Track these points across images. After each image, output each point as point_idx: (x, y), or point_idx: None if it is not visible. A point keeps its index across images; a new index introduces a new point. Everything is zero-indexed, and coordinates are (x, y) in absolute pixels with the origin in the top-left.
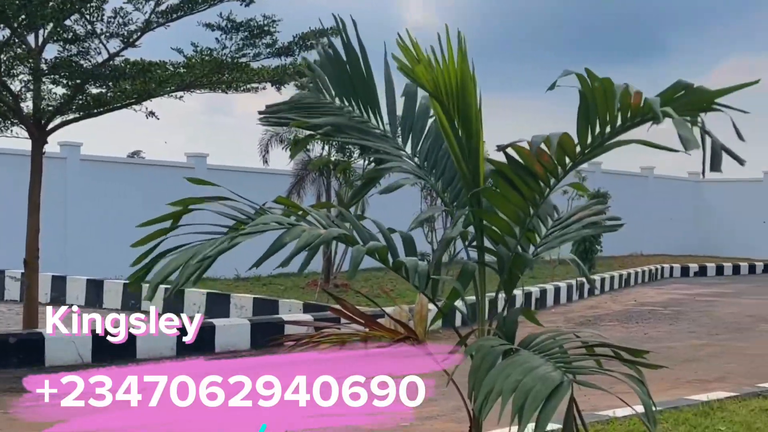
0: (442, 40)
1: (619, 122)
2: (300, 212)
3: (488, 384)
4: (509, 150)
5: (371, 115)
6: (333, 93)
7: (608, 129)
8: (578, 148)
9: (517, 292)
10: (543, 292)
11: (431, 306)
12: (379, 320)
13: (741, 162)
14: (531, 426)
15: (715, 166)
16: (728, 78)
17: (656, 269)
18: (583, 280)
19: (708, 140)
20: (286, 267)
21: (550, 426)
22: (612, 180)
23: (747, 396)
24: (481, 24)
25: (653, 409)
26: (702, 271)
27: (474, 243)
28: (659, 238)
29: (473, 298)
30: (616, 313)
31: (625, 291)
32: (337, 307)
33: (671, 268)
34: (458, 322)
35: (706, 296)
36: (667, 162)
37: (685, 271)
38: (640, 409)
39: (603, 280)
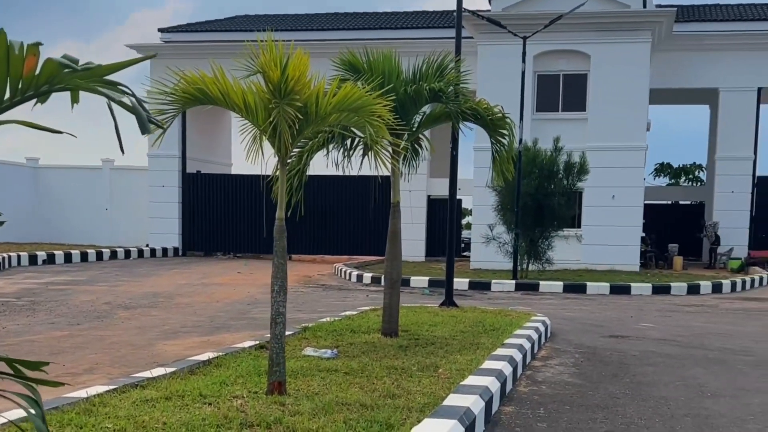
0: None
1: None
2: None
3: None
4: None
5: None
6: None
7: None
8: None
9: None
10: None
11: None
12: None
13: (159, 125)
14: None
15: (145, 130)
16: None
17: (2, 258)
18: None
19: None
20: None
21: None
22: None
23: (125, 388)
24: None
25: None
26: (51, 259)
27: None
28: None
29: None
30: None
31: None
32: None
33: (18, 256)
34: None
35: (59, 285)
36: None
37: (33, 260)
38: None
39: None
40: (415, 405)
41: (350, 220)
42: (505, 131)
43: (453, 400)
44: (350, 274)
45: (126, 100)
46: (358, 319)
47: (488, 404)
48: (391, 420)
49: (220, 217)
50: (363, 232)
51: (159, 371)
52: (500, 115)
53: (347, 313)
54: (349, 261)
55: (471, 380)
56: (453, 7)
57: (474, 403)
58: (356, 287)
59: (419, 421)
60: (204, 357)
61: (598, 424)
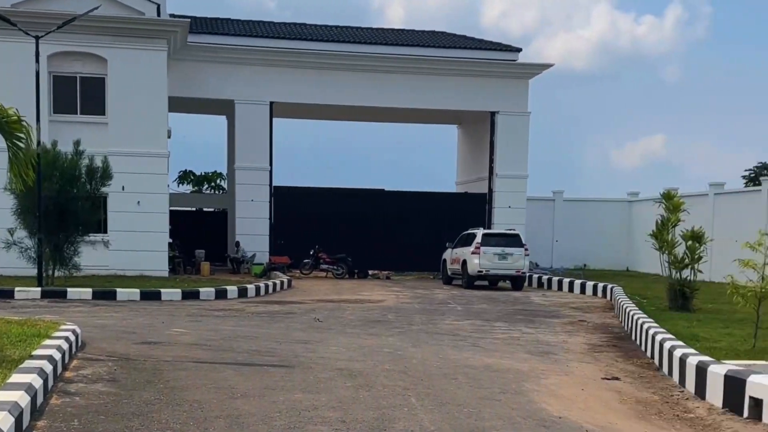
0: None
1: None
2: None
3: None
4: None
5: None
6: None
7: None
8: None
9: None
10: None
11: None
12: None
13: None
14: None
15: None
16: None
17: None
18: None
19: None
20: None
21: None
22: None
23: None
24: None
25: None
26: None
27: None
28: None
29: None
30: None
31: None
32: None
33: None
34: None
35: None
36: None
37: None
38: None
39: None
40: None
41: None
42: (22, 135)
43: None
44: None
45: None
46: None
47: (18, 420)
48: None
49: None
50: None
51: None
52: (15, 117)
53: None
54: None
55: None
56: None
57: (3, 420)
58: None
59: None
60: None
61: None
